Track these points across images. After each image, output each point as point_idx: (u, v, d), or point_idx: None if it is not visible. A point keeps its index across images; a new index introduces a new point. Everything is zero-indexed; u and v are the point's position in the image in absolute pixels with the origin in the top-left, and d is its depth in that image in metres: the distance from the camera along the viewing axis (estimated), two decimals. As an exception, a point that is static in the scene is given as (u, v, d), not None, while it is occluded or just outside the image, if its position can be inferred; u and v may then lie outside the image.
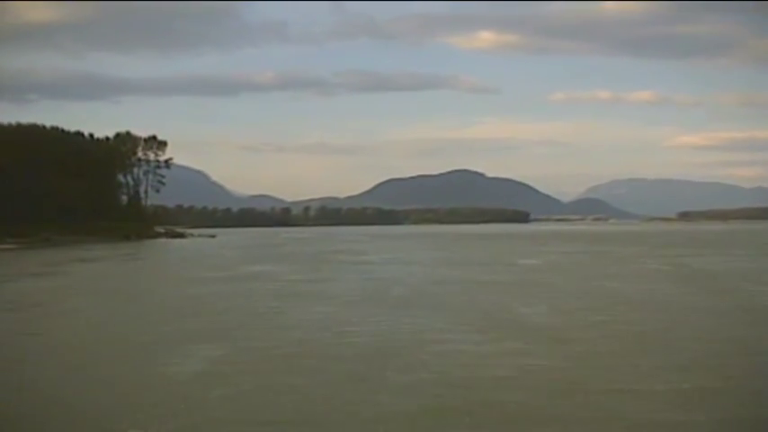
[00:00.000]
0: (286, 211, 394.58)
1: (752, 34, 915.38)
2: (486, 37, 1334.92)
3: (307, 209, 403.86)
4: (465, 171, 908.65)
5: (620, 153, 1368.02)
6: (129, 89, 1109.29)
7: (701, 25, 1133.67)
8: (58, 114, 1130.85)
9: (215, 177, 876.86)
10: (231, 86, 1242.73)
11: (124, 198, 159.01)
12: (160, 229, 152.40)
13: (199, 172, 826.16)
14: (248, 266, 56.01)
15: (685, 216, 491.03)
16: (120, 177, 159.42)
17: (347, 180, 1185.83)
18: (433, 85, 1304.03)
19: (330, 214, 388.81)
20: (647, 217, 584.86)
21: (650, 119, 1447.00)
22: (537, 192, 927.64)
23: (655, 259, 58.32)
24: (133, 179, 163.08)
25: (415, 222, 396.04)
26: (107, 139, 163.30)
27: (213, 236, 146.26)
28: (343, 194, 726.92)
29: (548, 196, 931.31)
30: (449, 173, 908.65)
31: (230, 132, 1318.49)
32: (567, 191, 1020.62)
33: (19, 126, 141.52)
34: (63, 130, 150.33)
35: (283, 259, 65.71)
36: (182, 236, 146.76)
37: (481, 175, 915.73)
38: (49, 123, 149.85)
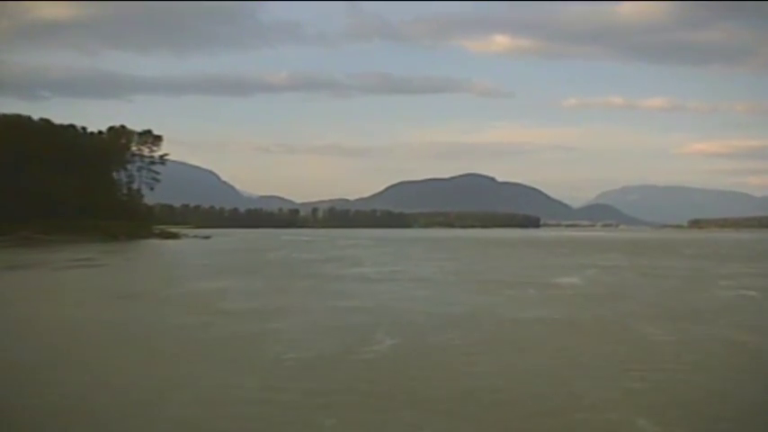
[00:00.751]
0: (294, 212, 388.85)
1: (766, 41, 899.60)
2: (500, 41, 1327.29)
3: (315, 210, 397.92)
4: (476, 175, 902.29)
5: (631, 159, 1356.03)
6: (142, 88, 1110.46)
7: (716, 32, 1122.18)
8: (70, 112, 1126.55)
9: (225, 177, 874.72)
10: (244, 86, 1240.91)
11: (120, 195, 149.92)
12: (155, 229, 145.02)
13: (209, 172, 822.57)
14: (207, 281, 44.15)
15: (696, 224, 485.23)
16: (115, 174, 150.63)
17: (358, 182, 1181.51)
18: (447, 88, 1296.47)
19: (339, 216, 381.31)
20: (657, 224, 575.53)
21: (663, 125, 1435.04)
22: (547, 197, 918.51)
23: (733, 280, 44.83)
24: (127, 175, 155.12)
25: (425, 226, 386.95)
26: (100, 133, 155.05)
27: (207, 237, 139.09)
28: (353, 196, 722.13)
29: (558, 201, 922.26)
30: (460, 176, 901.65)
31: (242, 132, 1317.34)
32: (577, 196, 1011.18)
33: (4, 117, 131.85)
34: (51, 123, 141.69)
35: (259, 270, 53.42)
36: (175, 236, 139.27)
37: (492, 179, 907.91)
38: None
